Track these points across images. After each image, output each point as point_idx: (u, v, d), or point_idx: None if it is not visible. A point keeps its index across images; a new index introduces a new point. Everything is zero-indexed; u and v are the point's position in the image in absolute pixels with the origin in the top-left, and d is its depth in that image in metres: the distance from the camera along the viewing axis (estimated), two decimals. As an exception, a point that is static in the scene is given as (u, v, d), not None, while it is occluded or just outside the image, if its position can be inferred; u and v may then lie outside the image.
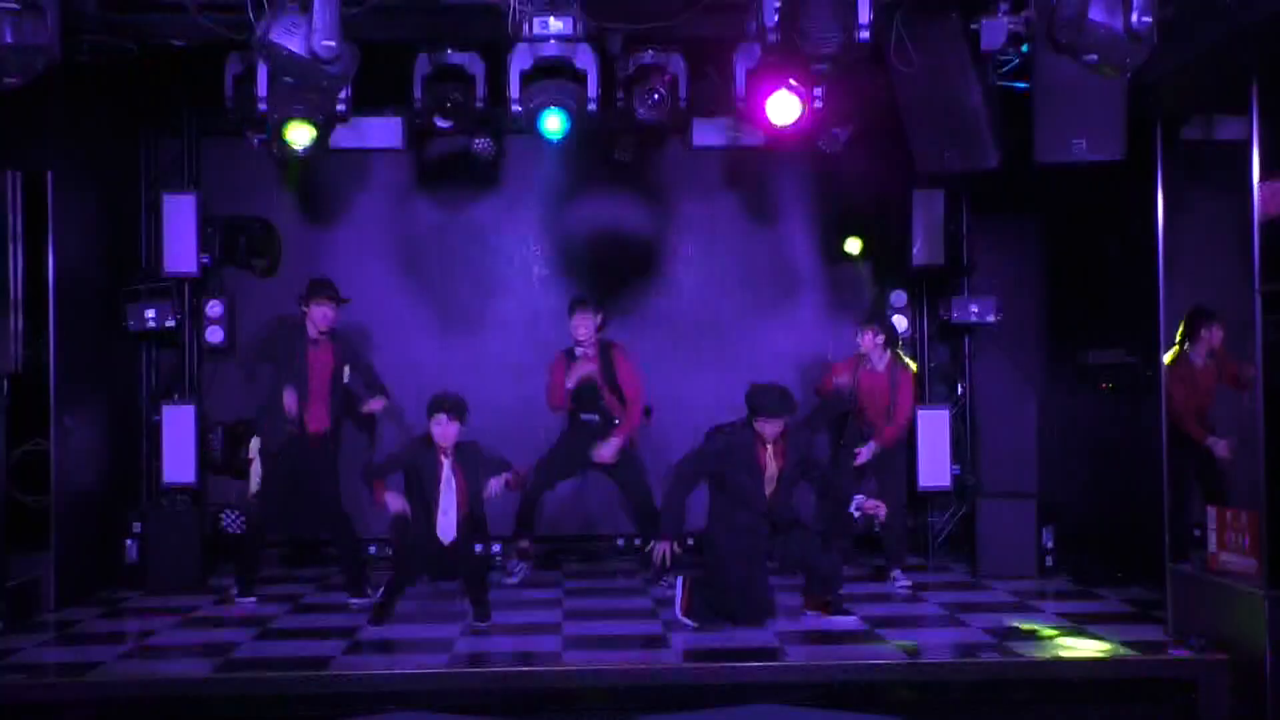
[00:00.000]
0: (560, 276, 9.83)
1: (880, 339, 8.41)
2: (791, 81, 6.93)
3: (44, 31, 5.67)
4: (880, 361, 8.43)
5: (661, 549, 7.00)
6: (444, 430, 7.17)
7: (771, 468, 7.01)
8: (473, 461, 7.27)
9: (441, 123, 7.85)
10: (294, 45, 5.48)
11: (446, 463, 7.19)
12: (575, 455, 8.40)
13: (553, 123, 6.97)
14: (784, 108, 7.03)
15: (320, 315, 7.94)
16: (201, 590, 8.43)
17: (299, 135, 7.13)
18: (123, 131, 9.25)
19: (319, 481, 8.02)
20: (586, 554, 9.50)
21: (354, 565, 8.02)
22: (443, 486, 7.17)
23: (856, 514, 7.13)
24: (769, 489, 7.02)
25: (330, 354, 8.02)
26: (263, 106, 7.00)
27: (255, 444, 8.14)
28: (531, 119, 6.94)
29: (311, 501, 8.08)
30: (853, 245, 9.74)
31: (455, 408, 7.20)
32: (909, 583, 8.36)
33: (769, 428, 6.92)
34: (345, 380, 8.11)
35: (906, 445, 8.85)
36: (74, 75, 6.42)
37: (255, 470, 8.11)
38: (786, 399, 6.96)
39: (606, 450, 8.23)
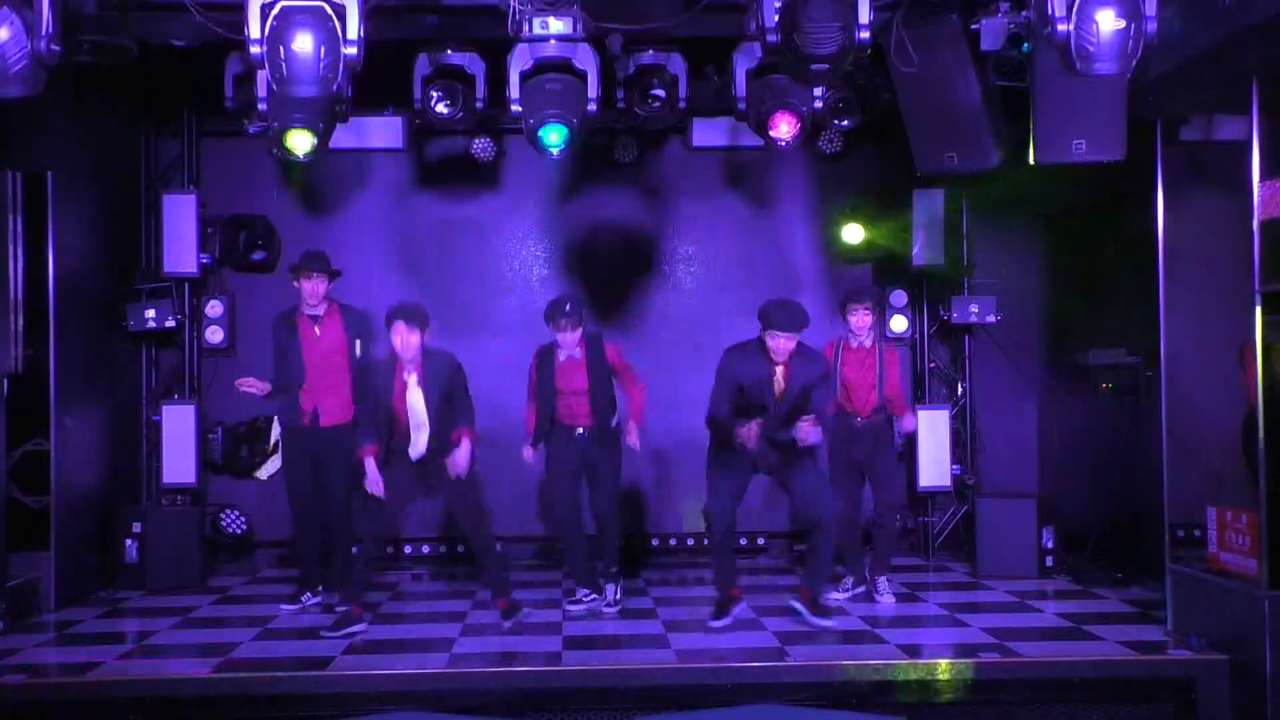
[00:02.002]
0: (560, 276, 9.83)
1: (871, 316, 7.81)
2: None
3: (44, 42, 5.70)
4: (869, 338, 7.83)
5: (750, 432, 6.69)
6: (404, 341, 6.87)
7: (780, 385, 6.86)
8: (442, 374, 6.88)
9: (441, 109, 7.77)
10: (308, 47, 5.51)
11: (410, 379, 6.82)
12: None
13: (553, 137, 6.94)
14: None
15: (309, 290, 7.67)
16: (201, 590, 8.43)
17: (300, 143, 7.08)
18: (123, 131, 9.25)
19: (329, 477, 7.72)
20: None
21: (345, 571, 7.64)
22: (409, 402, 6.79)
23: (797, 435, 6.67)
24: (775, 405, 6.89)
25: (332, 333, 7.71)
26: (263, 107, 7.00)
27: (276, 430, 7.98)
28: (533, 134, 6.95)
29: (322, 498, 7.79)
30: (852, 234, 9.64)
31: (413, 314, 6.83)
32: (892, 598, 7.87)
33: (777, 343, 6.75)
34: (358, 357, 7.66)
35: (893, 440, 8.19)
36: (74, 75, 6.42)
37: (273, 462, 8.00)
38: (797, 316, 6.79)
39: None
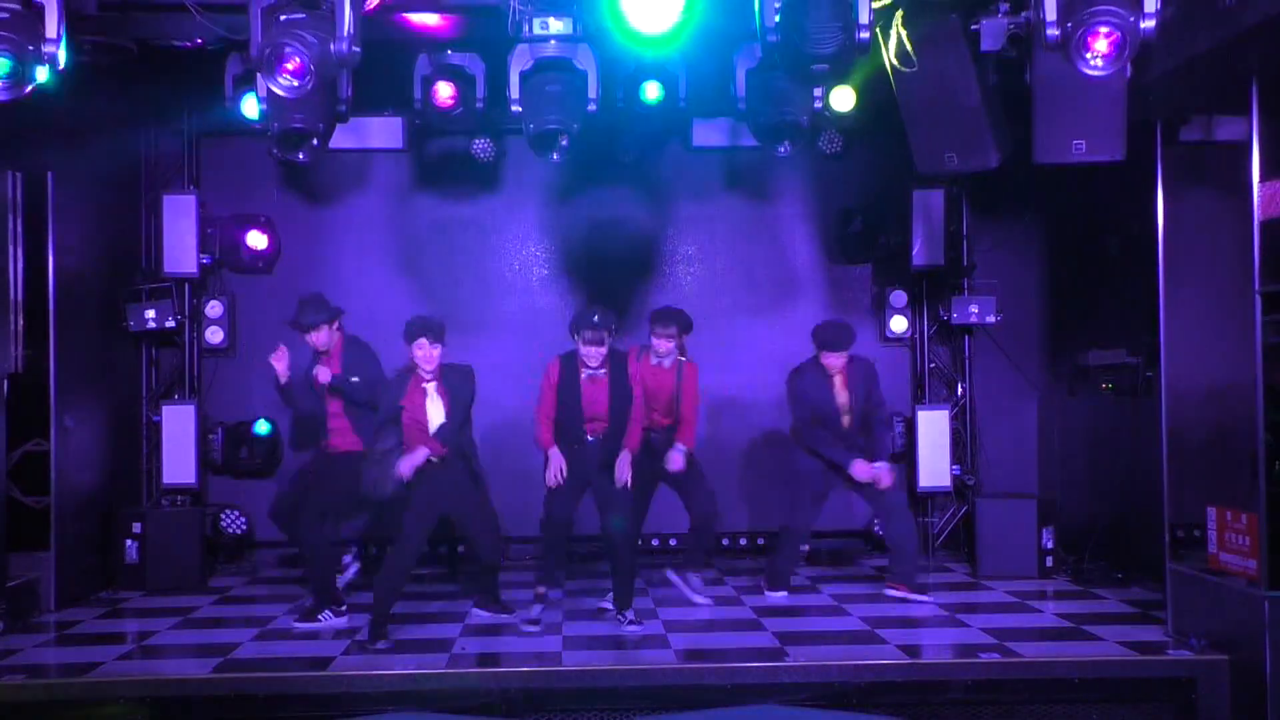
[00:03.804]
0: (560, 276, 9.83)
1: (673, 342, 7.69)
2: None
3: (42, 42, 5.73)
4: (669, 358, 7.69)
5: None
6: (426, 355, 6.90)
7: (842, 396, 7.77)
8: (461, 386, 6.99)
9: (443, 96, 7.75)
10: (305, 56, 5.54)
11: (429, 388, 6.93)
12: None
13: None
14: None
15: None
16: (201, 590, 8.43)
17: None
18: (123, 131, 9.25)
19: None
20: (587, 554, 9.48)
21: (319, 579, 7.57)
22: (428, 408, 6.91)
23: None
24: (844, 418, 7.80)
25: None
26: (263, 107, 7.00)
27: None
28: (533, 138, 6.97)
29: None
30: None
31: (436, 330, 6.92)
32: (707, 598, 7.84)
33: (831, 360, 7.70)
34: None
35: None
36: (74, 75, 6.41)
37: None
38: (842, 333, 7.74)
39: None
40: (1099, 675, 6.22)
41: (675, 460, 7.62)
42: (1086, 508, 8.96)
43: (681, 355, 7.77)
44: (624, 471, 7.20)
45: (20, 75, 5.72)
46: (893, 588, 7.91)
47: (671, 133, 9.61)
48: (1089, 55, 5.46)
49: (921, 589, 7.96)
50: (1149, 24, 5.40)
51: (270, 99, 6.75)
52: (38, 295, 7.64)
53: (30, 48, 5.70)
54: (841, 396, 7.78)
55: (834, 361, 7.70)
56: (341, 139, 7.69)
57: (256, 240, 9.50)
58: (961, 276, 9.63)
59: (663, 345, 7.63)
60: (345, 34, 5.58)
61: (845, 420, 7.82)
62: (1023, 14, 6.02)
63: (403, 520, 6.92)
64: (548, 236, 9.87)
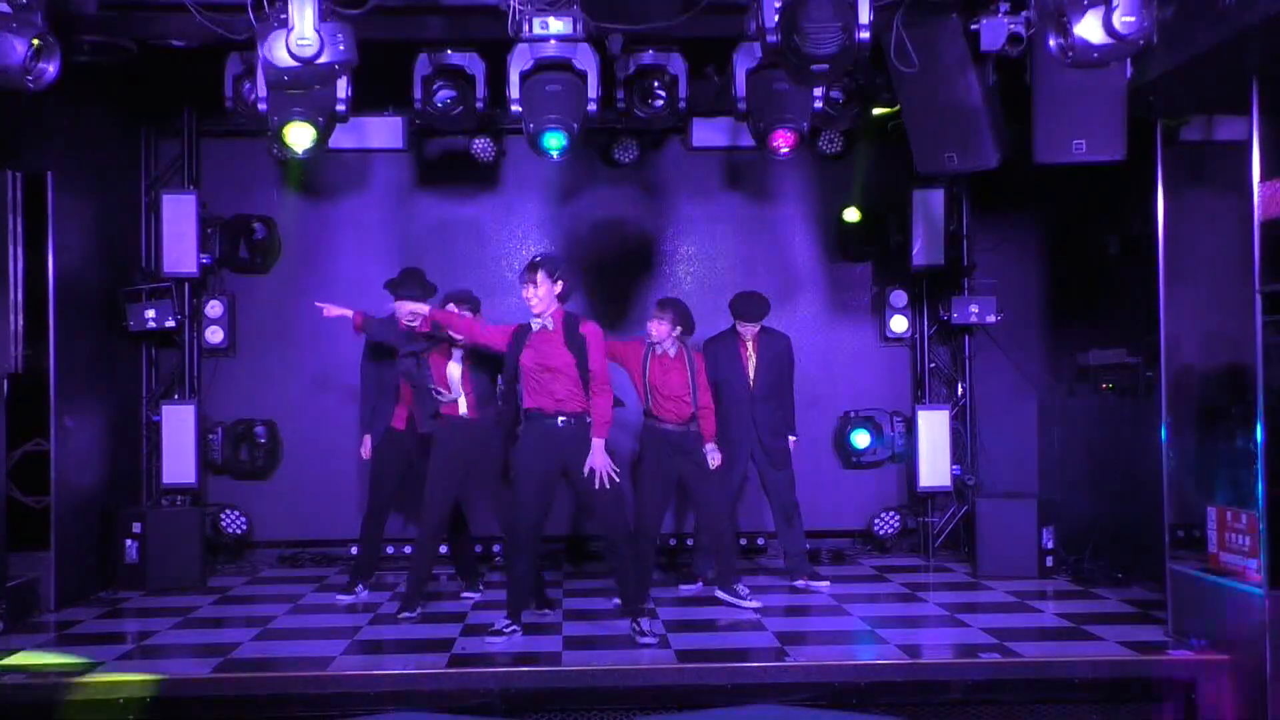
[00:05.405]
0: (560, 276, 9.82)
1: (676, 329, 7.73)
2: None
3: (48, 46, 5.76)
4: (673, 347, 7.74)
5: None
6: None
7: (750, 363, 8.26)
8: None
9: (444, 92, 7.76)
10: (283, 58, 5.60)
11: (457, 351, 7.44)
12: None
13: (553, 142, 6.98)
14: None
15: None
16: (201, 590, 8.43)
17: (299, 136, 7.00)
18: (123, 131, 9.26)
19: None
20: (586, 554, 9.50)
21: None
22: (450, 367, 7.43)
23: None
24: (750, 382, 8.23)
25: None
26: (263, 107, 7.00)
27: None
28: (534, 138, 6.96)
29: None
30: (850, 215, 9.59)
31: (468, 300, 7.60)
32: (755, 603, 7.67)
33: (744, 329, 8.23)
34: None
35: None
36: (74, 75, 6.42)
37: None
38: (751, 305, 8.19)
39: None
40: (1099, 675, 6.21)
41: (715, 457, 7.80)
42: (1086, 508, 8.96)
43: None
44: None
45: (47, 62, 5.74)
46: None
47: (671, 133, 9.62)
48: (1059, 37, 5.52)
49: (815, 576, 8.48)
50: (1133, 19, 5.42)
51: (270, 95, 6.76)
52: (38, 295, 7.64)
53: (51, 38, 5.71)
54: (750, 363, 8.22)
55: (746, 330, 8.18)
56: (341, 139, 7.68)
57: (256, 240, 9.49)
58: (961, 276, 9.63)
59: (656, 329, 7.70)
60: (291, 26, 5.60)
61: (751, 383, 8.20)
62: (1023, 14, 6.03)
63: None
64: (548, 236, 9.87)
